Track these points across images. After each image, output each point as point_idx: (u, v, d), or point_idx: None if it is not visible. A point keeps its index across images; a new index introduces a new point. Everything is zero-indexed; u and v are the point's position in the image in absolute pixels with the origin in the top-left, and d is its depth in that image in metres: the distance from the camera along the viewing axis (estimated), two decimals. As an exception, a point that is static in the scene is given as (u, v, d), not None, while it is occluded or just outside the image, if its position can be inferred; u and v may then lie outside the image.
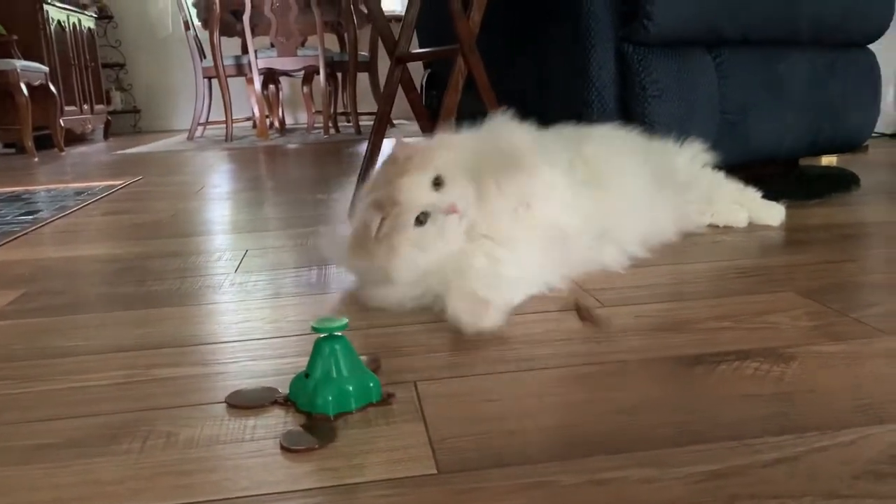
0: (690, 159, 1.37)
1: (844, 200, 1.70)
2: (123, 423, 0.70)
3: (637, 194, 1.20)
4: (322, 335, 0.71)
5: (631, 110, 1.55)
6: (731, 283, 1.08)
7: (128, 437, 0.67)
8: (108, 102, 5.82)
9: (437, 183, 0.97)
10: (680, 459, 0.59)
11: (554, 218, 1.04)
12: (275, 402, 0.71)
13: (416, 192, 0.95)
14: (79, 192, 2.45)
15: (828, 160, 2.37)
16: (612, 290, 1.06)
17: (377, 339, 0.90)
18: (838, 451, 0.60)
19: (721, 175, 1.40)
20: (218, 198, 2.22)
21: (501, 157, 1.03)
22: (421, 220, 0.95)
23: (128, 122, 6.28)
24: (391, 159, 1.01)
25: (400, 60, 1.69)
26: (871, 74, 1.86)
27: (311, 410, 0.68)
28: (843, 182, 1.88)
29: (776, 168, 1.93)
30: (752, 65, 1.65)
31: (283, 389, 0.74)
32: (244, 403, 0.71)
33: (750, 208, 1.40)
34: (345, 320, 0.71)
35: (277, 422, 0.69)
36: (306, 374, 0.70)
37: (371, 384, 0.71)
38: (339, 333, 0.71)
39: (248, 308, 1.06)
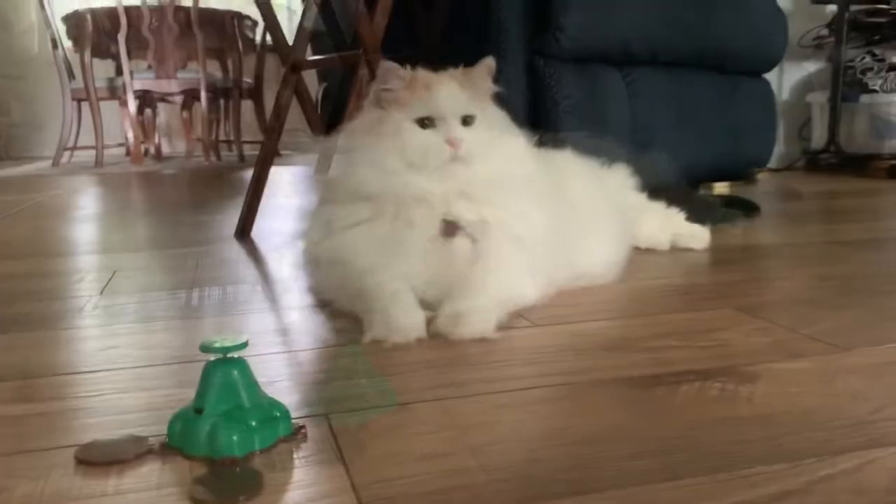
0: (621, 181, 1.29)
1: (751, 225, 1.68)
2: (-63, 479, 0.52)
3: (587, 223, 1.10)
4: (215, 357, 0.55)
5: (542, 125, 1.47)
6: (664, 300, 1.00)
7: (-59, 496, 0.49)
8: (-38, 125, 5.32)
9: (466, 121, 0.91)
10: (668, 498, 0.48)
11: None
12: (147, 452, 0.54)
13: (443, 98, 0.90)
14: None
15: (721, 190, 2.40)
16: (540, 308, 0.95)
17: (277, 367, 0.75)
18: (846, 481, 0.50)
19: (643, 196, 1.32)
20: (85, 219, 1.99)
21: None
22: (424, 124, 0.90)
23: (-15, 147, 5.76)
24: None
25: (295, 68, 1.55)
26: (768, 102, 1.88)
27: (213, 454, 0.53)
28: (746, 208, 1.87)
29: (677, 192, 1.91)
30: (661, 85, 1.63)
31: (158, 429, 0.57)
32: (100, 458, 0.54)
33: (675, 231, 1.33)
34: (244, 338, 0.56)
35: (149, 471, 0.53)
36: (197, 410, 0.54)
37: (277, 414, 0.56)
38: (236, 355, 0.56)
39: (114, 333, 0.88)
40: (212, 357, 0.56)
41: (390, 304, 0.83)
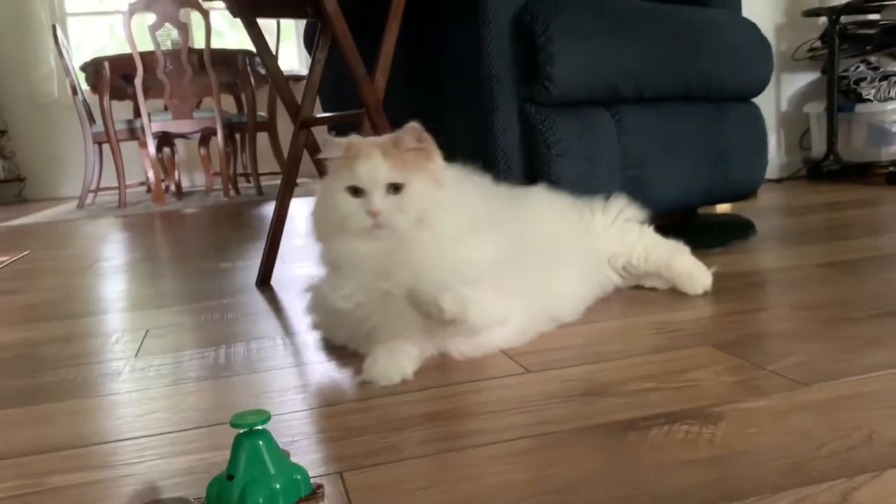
0: (611, 220, 1.36)
1: (744, 247, 1.76)
2: (15, 547, 0.62)
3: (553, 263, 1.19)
4: (242, 431, 0.65)
5: (536, 169, 1.57)
6: (649, 339, 1.09)
7: (21, 563, 0.60)
8: (-11, 171, 5.51)
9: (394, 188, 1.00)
10: (626, 540, 0.57)
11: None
12: (190, 512, 0.65)
13: (371, 171, 0.99)
14: (-43, 272, 2.27)
15: (723, 208, 2.48)
16: (534, 353, 1.05)
17: (296, 426, 0.85)
18: (779, 518, 0.59)
19: (645, 231, 1.37)
20: (113, 271, 2.11)
21: None
22: (357, 192, 1.01)
23: (11, 190, 5.95)
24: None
25: (304, 125, 1.66)
26: (756, 126, 1.96)
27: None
28: (741, 229, 1.96)
29: (676, 218, 1.99)
30: (649, 120, 1.71)
31: (198, 492, 0.68)
32: (155, 518, 0.65)
33: (672, 275, 1.34)
34: (266, 413, 0.66)
35: (194, 531, 0.63)
36: (229, 476, 0.64)
37: (298, 477, 0.66)
38: (261, 427, 0.66)
39: (151, 397, 0.98)
40: (240, 430, 0.66)
41: (381, 350, 0.97)
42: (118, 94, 4.54)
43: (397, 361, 0.96)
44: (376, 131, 1.50)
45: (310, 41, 1.95)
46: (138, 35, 4.17)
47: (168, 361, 1.14)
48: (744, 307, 1.23)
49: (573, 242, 1.27)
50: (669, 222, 1.85)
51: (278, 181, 5.26)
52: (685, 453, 0.71)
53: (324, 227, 1.07)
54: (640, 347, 1.05)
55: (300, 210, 3.11)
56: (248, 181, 5.09)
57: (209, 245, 2.55)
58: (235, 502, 0.63)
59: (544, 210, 1.30)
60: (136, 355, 1.19)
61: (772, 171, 3.10)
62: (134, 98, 4.41)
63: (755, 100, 2.00)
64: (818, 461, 0.68)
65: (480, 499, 0.65)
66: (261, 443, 0.66)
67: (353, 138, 1.05)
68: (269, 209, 3.67)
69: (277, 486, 0.64)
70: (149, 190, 4.77)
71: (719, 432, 0.75)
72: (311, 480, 0.68)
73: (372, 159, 0.99)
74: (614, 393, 0.88)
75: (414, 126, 1.02)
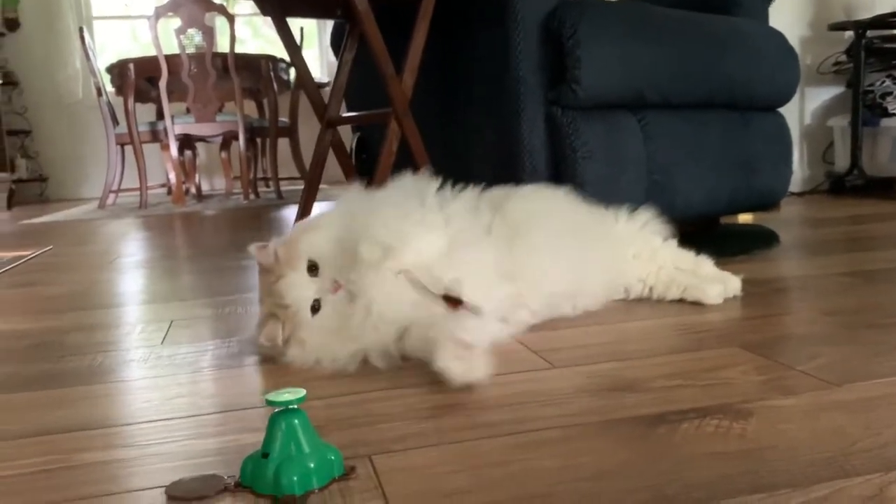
0: (637, 227, 1.36)
1: (768, 256, 1.75)
2: (48, 517, 0.63)
3: (559, 254, 1.19)
4: (278, 409, 0.66)
5: (562, 172, 1.57)
6: (676, 340, 1.09)
7: (54, 532, 0.60)
8: (13, 170, 5.57)
9: (313, 268, 1.01)
10: (658, 526, 0.57)
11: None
12: (223, 490, 0.65)
13: (298, 287, 1.00)
14: (-18, 264, 2.30)
15: (745, 218, 2.47)
16: (560, 349, 1.04)
17: (324, 412, 0.85)
18: (815, 509, 0.58)
19: (668, 244, 1.36)
20: (134, 267, 2.12)
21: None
22: (315, 307, 1.00)
23: (34, 190, 6.02)
24: (261, 268, 1.05)
25: (331, 124, 1.67)
26: (782, 135, 1.96)
27: (276, 493, 0.63)
28: (764, 239, 1.95)
29: (699, 226, 1.99)
30: (675, 126, 1.71)
31: (229, 471, 0.68)
32: (187, 495, 0.65)
33: (686, 282, 1.31)
34: (302, 392, 0.66)
35: (225, 507, 0.63)
36: (264, 454, 0.65)
37: (333, 457, 0.66)
38: (296, 406, 0.66)
39: (180, 382, 0.99)
40: (276, 409, 0.66)
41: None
42: (142, 97, 4.59)
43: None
44: (403, 132, 1.51)
45: (336, 43, 1.97)
46: (162, 38, 4.21)
47: (193, 350, 1.14)
48: (769, 311, 1.23)
49: (587, 236, 1.27)
50: (692, 230, 1.84)
51: (298, 186, 5.31)
52: (716, 446, 0.71)
53: None
54: (666, 347, 1.05)
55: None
56: (268, 185, 5.12)
57: (229, 244, 2.57)
58: (270, 480, 0.64)
59: (559, 208, 1.30)
60: (162, 343, 1.19)
61: (794, 184, 3.09)
62: (157, 100, 4.46)
63: (781, 110, 2.00)
64: (852, 456, 0.67)
65: (510, 484, 0.65)
66: (296, 422, 0.66)
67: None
68: (288, 212, 3.69)
69: (311, 466, 0.65)
70: (169, 192, 4.81)
71: (750, 427, 0.75)
72: (347, 463, 0.68)
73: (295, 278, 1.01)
74: (642, 389, 0.88)
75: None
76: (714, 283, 1.30)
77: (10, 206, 5.33)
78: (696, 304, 1.29)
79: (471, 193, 1.22)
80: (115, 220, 3.77)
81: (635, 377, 0.92)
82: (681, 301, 1.32)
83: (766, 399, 0.82)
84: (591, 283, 1.23)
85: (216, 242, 2.68)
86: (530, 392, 0.88)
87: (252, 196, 4.65)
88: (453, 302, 0.96)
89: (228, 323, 1.31)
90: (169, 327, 1.30)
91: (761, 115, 1.92)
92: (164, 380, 1.00)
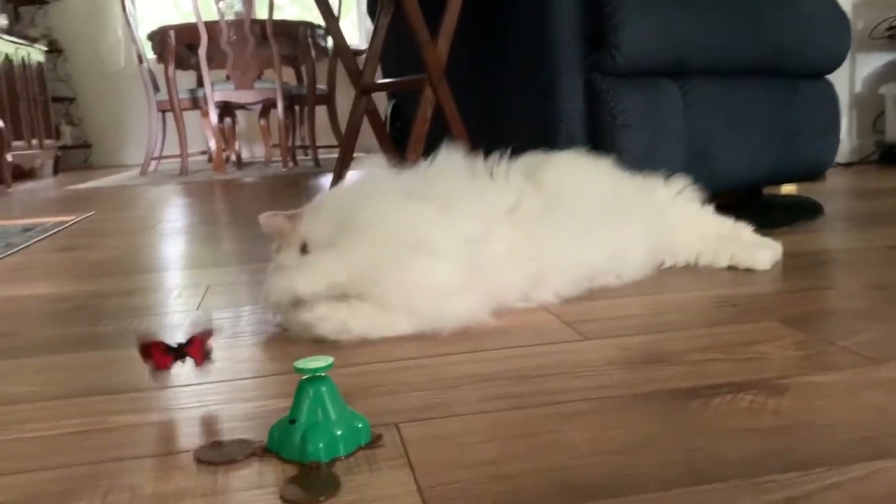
0: (674, 193, 1.34)
1: (811, 227, 1.71)
2: (81, 478, 0.64)
3: (598, 222, 1.17)
4: (306, 376, 0.66)
5: (599, 140, 1.54)
6: (713, 312, 1.06)
7: (86, 492, 0.61)
8: (58, 137, 5.68)
9: (304, 250, 1.04)
10: (686, 501, 0.56)
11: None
12: (251, 455, 0.66)
13: (287, 262, 1.05)
14: (27, 229, 2.35)
15: (788, 189, 2.40)
16: (592, 321, 1.03)
17: (352, 379, 0.85)
18: (851, 488, 0.57)
19: (706, 211, 1.35)
20: (175, 233, 2.15)
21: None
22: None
23: (78, 157, 6.13)
24: (269, 234, 1.11)
25: (365, 90, 1.66)
26: (830, 104, 1.89)
27: (302, 459, 0.63)
28: (807, 210, 1.90)
29: (740, 197, 1.94)
30: (717, 94, 1.67)
31: (259, 437, 0.68)
32: (216, 459, 0.65)
33: (734, 249, 1.29)
34: (330, 360, 0.66)
35: (251, 472, 0.64)
36: (291, 420, 0.65)
37: (360, 425, 0.66)
38: (324, 374, 0.66)
39: (213, 347, 0.99)
40: (304, 376, 0.66)
41: None
42: (182, 64, 4.62)
43: None
44: (438, 98, 1.49)
45: (373, 9, 1.95)
46: (202, 5, 4.22)
47: (228, 316, 1.16)
48: (811, 284, 1.19)
49: (628, 205, 1.25)
50: (733, 201, 1.80)
51: (335, 154, 5.32)
52: (750, 422, 0.69)
53: None
54: (701, 320, 1.03)
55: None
56: (306, 153, 5.14)
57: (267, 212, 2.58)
58: (296, 446, 0.64)
59: (597, 176, 1.27)
60: (198, 308, 1.21)
61: (842, 154, 3.00)
62: (197, 68, 4.49)
63: (829, 77, 1.93)
64: (893, 437, 0.65)
65: (538, 455, 0.64)
66: (324, 389, 0.66)
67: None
68: (325, 180, 3.70)
69: (338, 433, 0.65)
70: (210, 159, 4.86)
71: (785, 403, 0.73)
72: (373, 430, 0.68)
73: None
74: (675, 362, 0.86)
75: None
76: (763, 248, 1.28)
77: (55, 172, 5.44)
78: (735, 276, 1.26)
79: (502, 164, 1.20)
80: (156, 187, 3.82)
81: (669, 350, 0.90)
82: (724, 270, 1.29)
83: (803, 375, 0.80)
84: (634, 253, 1.21)
85: (255, 210, 2.70)
86: (560, 364, 0.87)
87: (290, 164, 4.67)
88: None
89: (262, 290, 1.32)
90: (205, 293, 1.32)
91: (808, 83, 1.86)
92: (197, 345, 1.01)
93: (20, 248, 1.97)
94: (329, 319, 0.97)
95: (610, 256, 1.17)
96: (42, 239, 2.12)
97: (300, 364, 0.66)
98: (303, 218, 1.06)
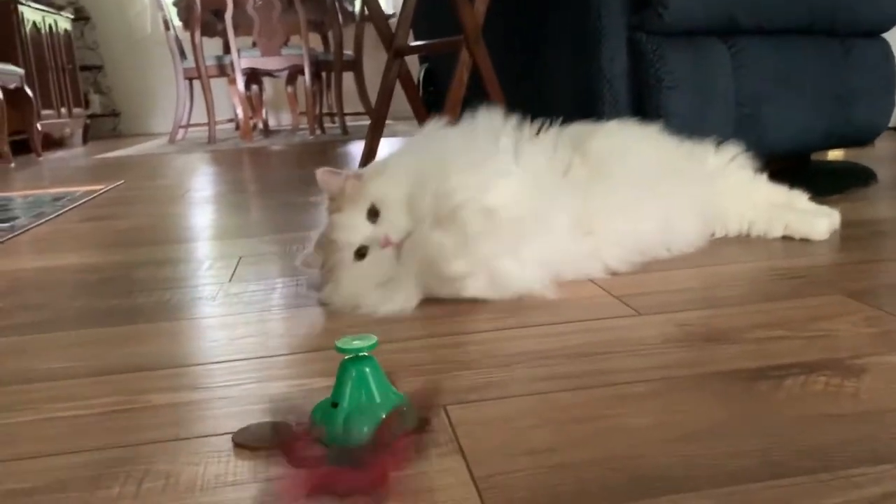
0: (726, 161, 1.27)
1: (864, 195, 1.63)
2: (114, 461, 0.60)
3: (648, 193, 1.11)
4: (348, 356, 0.61)
5: (644, 103, 1.47)
6: (771, 285, 1.00)
7: (119, 478, 0.58)
8: (87, 106, 5.68)
9: (373, 213, 0.96)
10: (765, 497, 0.51)
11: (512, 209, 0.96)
12: (292, 439, 0.62)
13: (349, 229, 0.96)
14: (57, 198, 2.33)
15: (835, 155, 2.31)
16: (644, 295, 0.97)
17: (395, 356, 0.81)
18: (951, 484, 0.51)
19: (760, 179, 1.28)
20: (204, 202, 2.12)
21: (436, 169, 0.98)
22: (362, 252, 0.96)
23: (107, 125, 6.14)
24: (327, 193, 1.02)
25: (398, 53, 1.60)
26: (886, 64, 1.79)
27: (346, 444, 0.59)
28: (859, 176, 1.81)
29: (788, 163, 1.86)
30: (767, 54, 1.58)
31: (297, 418, 0.64)
32: (255, 443, 0.61)
33: (789, 218, 1.23)
34: (374, 339, 0.62)
35: (293, 457, 0.60)
36: (333, 404, 0.61)
37: (405, 408, 0.62)
38: (367, 354, 0.62)
39: (247, 321, 0.96)
40: (347, 356, 0.62)
41: None
42: (208, 31, 4.57)
43: None
44: (475, 60, 1.43)
45: (404, -32, 1.87)
46: (229, -31, 4.15)
47: (261, 288, 1.12)
48: (872, 256, 1.13)
49: (678, 175, 1.18)
50: (781, 167, 1.72)
51: (362, 122, 5.26)
52: (827, 406, 0.64)
53: None
54: (760, 293, 0.97)
55: (388, 150, 3.08)
56: (333, 121, 5.09)
57: (296, 180, 2.55)
58: (339, 430, 0.60)
59: (647, 145, 1.21)
60: (230, 280, 1.17)
61: (893, 118, 2.88)
62: (223, 34, 4.43)
63: (885, 36, 1.83)
64: None
65: (596, 443, 0.59)
66: (367, 370, 0.62)
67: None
68: (353, 148, 3.65)
69: (383, 416, 0.60)
70: (237, 127, 4.82)
71: (863, 386, 0.67)
72: (419, 414, 0.64)
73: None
74: (738, 340, 0.80)
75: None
76: (820, 216, 1.22)
77: (85, 140, 5.45)
78: (790, 246, 1.20)
79: (549, 131, 1.14)
80: (185, 155, 3.80)
81: (729, 326, 0.85)
82: (778, 240, 1.23)
83: (879, 354, 0.74)
84: (685, 224, 1.15)
85: (283, 178, 2.67)
86: (614, 341, 0.82)
87: (318, 131, 4.62)
88: None
89: (295, 261, 1.28)
90: (237, 264, 1.28)
91: (863, 42, 1.76)
92: (231, 318, 0.98)
93: (50, 217, 1.95)
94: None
95: (661, 228, 1.11)
96: (72, 208, 2.11)
97: (342, 343, 0.62)
98: (367, 178, 0.99)
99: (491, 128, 1.08)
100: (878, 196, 1.63)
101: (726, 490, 0.52)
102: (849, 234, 1.26)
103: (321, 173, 1.00)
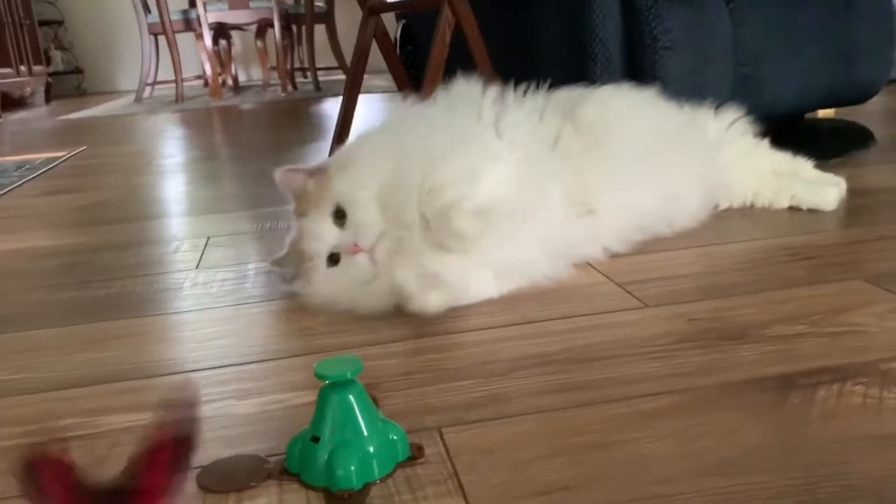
0: (726, 127, 1.19)
1: (866, 159, 1.55)
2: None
3: (646, 164, 1.02)
4: (329, 382, 0.53)
5: (639, 65, 1.38)
6: (782, 269, 0.93)
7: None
8: (48, 63, 5.44)
9: (340, 215, 0.85)
10: (819, 549, 0.44)
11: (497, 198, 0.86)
12: (267, 477, 0.54)
13: (314, 237, 0.86)
14: (18, 167, 2.21)
15: (826, 113, 2.23)
16: (649, 282, 0.90)
17: (379, 362, 0.73)
18: None
19: (762, 146, 1.21)
20: (172, 171, 2.00)
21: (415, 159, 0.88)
22: (335, 258, 0.86)
23: (71, 83, 5.90)
24: (290, 194, 0.91)
25: (373, 11, 1.49)
26: (888, 19, 1.70)
27: (331, 486, 0.51)
28: (858, 137, 1.74)
29: (780, 123, 1.78)
30: (768, 9, 1.49)
31: (272, 447, 0.56)
32: (223, 486, 0.53)
33: (795, 188, 1.17)
34: (358, 362, 0.54)
35: (270, 500, 0.52)
36: (314, 438, 0.53)
37: (395, 437, 0.54)
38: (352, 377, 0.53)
39: (215, 318, 0.87)
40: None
41: None
42: (172, -17, 4.36)
43: None
44: (458, 17, 1.32)
45: (379, -83, 1.74)
46: (192, -83, 3.95)
47: (231, 276, 1.03)
48: (889, 232, 1.06)
49: (678, 143, 1.10)
50: (773, 128, 1.64)
51: (336, 76, 5.10)
52: (870, 425, 0.57)
53: None
54: (774, 279, 0.90)
55: (365, 109, 2.96)
56: (306, 76, 4.92)
57: (269, 144, 2.43)
58: (322, 469, 0.52)
59: (643, 112, 1.12)
60: (198, 267, 1.08)
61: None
62: (189, -13, 4.23)
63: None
64: None
65: (619, 477, 0.52)
66: (351, 398, 0.54)
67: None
68: (327, 106, 3.52)
69: (371, 450, 0.53)
70: (206, 84, 4.65)
71: (905, 396, 0.61)
72: (411, 441, 0.56)
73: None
74: (757, 337, 0.73)
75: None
76: (827, 185, 1.16)
77: (47, 100, 5.23)
78: (798, 219, 1.13)
79: (535, 97, 1.05)
80: (152, 116, 3.64)
81: (744, 321, 0.77)
82: (785, 212, 1.16)
83: (916, 355, 0.68)
84: (687, 196, 1.07)
85: (255, 142, 2.55)
86: (623, 341, 0.74)
87: (290, 88, 4.47)
88: None
89: (270, 242, 1.18)
90: (205, 246, 1.19)
91: (865, -5, 1.67)
92: (197, 314, 0.89)
93: (7, 190, 1.83)
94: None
95: (662, 202, 1.03)
96: (31, 179, 1.98)
97: (321, 369, 0.53)
98: (331, 174, 0.88)
99: (470, 101, 0.99)
100: (879, 160, 1.55)
101: (770, 538, 0.45)
102: (856, 204, 1.19)
103: (280, 174, 0.89)
